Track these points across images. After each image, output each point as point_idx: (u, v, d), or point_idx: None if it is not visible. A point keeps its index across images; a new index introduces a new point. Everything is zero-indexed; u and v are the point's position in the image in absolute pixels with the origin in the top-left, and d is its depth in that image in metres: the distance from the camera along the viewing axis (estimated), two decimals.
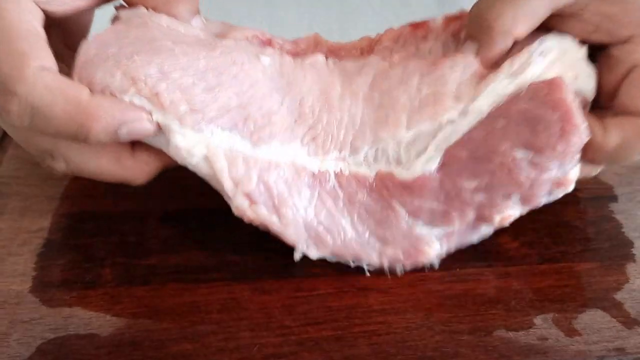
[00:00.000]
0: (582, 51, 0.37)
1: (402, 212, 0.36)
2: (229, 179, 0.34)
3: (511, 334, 0.36)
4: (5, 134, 0.48)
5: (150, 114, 0.33)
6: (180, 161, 0.34)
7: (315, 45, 0.40)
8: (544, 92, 0.34)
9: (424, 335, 0.35)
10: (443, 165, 0.36)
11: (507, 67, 0.36)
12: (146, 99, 0.32)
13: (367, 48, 0.40)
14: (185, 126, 0.33)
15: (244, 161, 0.34)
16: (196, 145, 0.33)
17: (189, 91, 0.33)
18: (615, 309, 0.37)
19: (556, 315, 0.36)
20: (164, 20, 0.35)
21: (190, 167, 0.35)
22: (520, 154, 0.35)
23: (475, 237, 0.38)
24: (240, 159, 0.34)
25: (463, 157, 0.36)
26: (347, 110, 0.36)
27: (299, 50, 0.40)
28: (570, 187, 0.37)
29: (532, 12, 0.36)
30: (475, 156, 0.35)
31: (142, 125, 0.33)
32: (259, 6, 0.67)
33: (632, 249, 0.40)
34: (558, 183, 0.36)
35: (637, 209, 0.43)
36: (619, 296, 0.38)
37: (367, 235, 0.37)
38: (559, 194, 0.37)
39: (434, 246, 0.37)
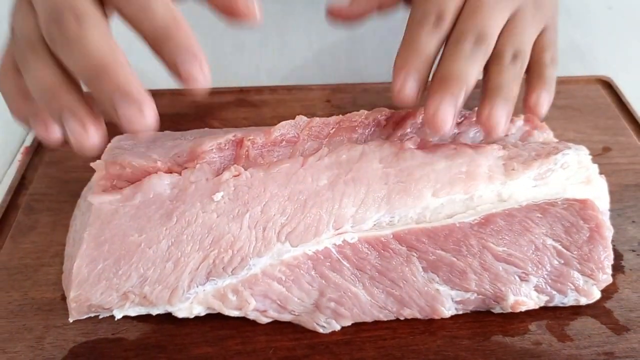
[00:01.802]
0: (595, 167, 0.41)
1: (419, 267, 0.38)
2: (231, 310, 0.38)
3: (507, 339, 0.38)
4: (35, 154, 0.52)
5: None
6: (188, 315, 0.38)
7: (300, 129, 0.42)
8: (578, 207, 0.39)
9: (427, 340, 0.38)
10: (479, 224, 0.39)
11: (536, 168, 0.39)
12: (138, 306, 0.38)
13: (397, 121, 0.43)
14: (174, 304, 0.37)
15: (232, 291, 0.37)
16: (191, 307, 0.38)
17: (163, 278, 0.37)
18: (605, 317, 0.39)
19: (550, 322, 0.39)
20: (137, 196, 0.38)
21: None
22: (550, 241, 0.39)
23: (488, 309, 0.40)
24: (229, 291, 0.37)
25: (500, 224, 0.39)
26: (342, 193, 0.38)
27: (275, 140, 0.41)
28: (593, 299, 0.39)
29: None
30: (511, 228, 0.39)
31: None
32: (271, 36, 0.71)
33: (622, 261, 0.43)
34: (581, 290, 0.39)
35: (627, 224, 0.45)
36: (608, 304, 0.40)
37: (383, 297, 0.38)
38: (582, 301, 0.39)
39: (449, 308, 0.38)
